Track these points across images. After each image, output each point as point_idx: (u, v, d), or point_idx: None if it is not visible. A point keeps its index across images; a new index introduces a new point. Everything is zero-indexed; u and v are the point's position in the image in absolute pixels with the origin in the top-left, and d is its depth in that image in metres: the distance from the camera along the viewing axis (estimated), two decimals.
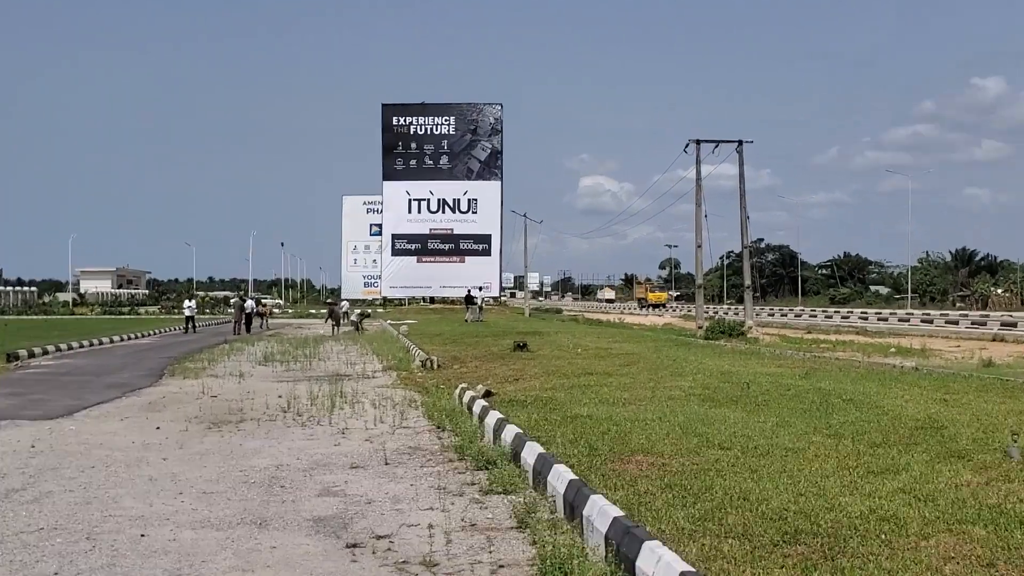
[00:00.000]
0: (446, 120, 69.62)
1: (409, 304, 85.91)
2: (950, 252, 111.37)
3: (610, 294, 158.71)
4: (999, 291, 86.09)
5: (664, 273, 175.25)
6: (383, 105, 70.68)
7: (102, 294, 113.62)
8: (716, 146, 36.88)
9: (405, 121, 69.62)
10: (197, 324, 45.68)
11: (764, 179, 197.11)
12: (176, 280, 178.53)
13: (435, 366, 21.03)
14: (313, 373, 21.30)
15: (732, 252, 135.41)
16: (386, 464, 9.74)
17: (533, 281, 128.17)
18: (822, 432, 10.01)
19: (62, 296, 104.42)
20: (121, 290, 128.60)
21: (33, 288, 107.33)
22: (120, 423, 13.25)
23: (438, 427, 12.19)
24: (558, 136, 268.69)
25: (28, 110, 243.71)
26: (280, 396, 16.25)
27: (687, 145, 36.73)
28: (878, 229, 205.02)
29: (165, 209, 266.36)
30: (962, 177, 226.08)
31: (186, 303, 46.69)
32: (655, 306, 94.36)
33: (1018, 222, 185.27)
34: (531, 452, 8.41)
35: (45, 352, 27.81)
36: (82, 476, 9.32)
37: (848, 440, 9.45)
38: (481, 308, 48.65)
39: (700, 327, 36.03)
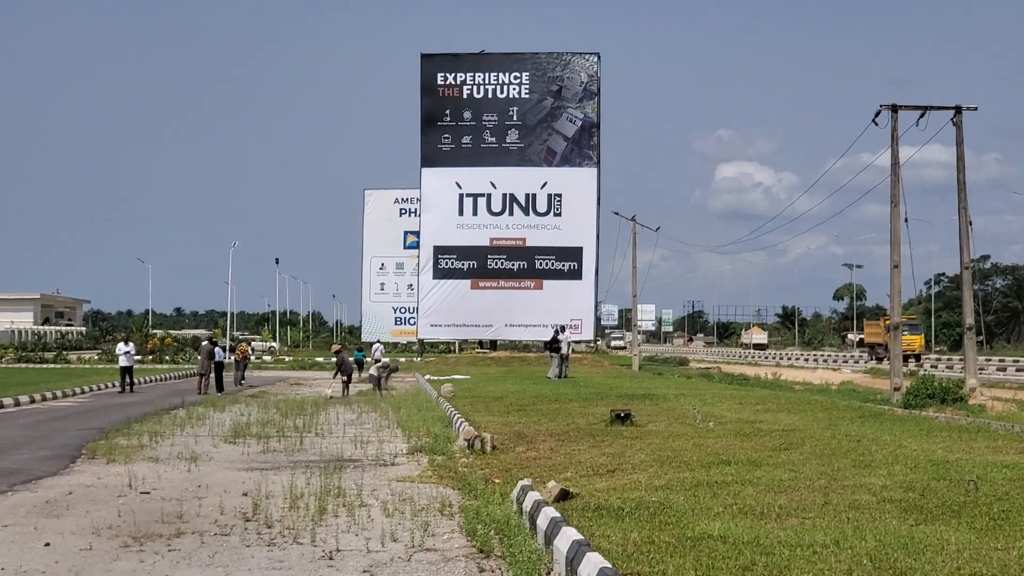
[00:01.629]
0: (515, 78, 68.25)
1: (460, 350, 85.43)
2: None
3: (761, 336, 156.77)
4: None
5: (842, 306, 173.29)
6: (423, 56, 69.40)
7: (19, 332, 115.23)
8: (922, 115, 35.33)
9: (455, 79, 68.45)
10: (135, 380, 44.78)
11: (990, 168, 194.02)
12: (129, 312, 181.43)
13: (488, 447, 20.17)
14: (303, 457, 20.60)
15: (943, 276, 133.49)
16: None
17: (647, 317, 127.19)
18: None
19: None
20: (47, 326, 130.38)
21: None
22: None
23: (481, 550, 11.30)
24: (683, 105, 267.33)
25: None
26: (245, 494, 15.53)
27: (878, 114, 35.23)
28: None
29: (109, 215, 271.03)
30: None
31: (120, 347, 45.62)
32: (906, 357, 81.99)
33: None
34: None
35: None
36: None
37: None
38: (565, 357, 47.59)
39: (896, 388, 34.58)
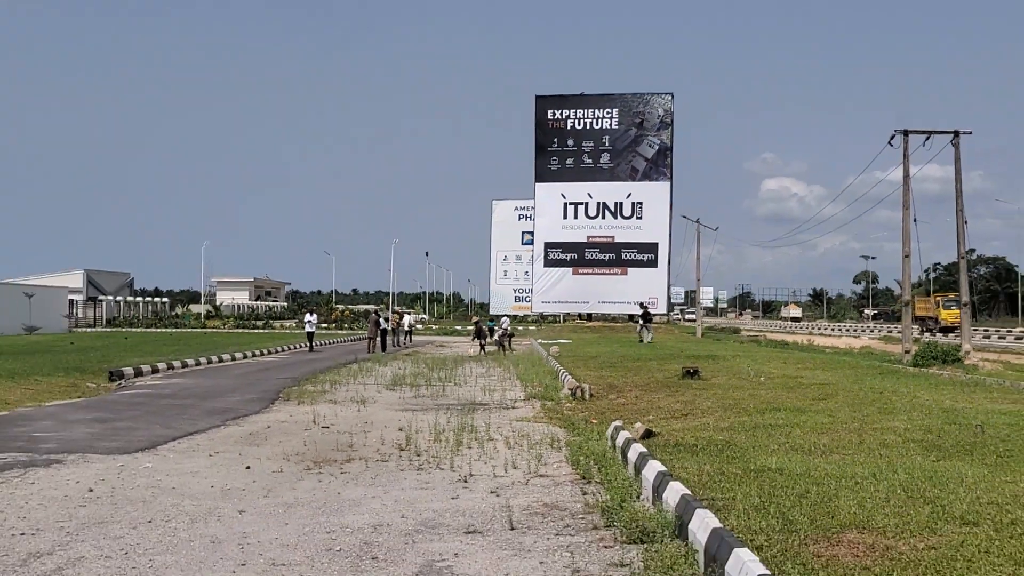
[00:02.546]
0: (608, 113, 67.77)
1: (564, 321, 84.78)
2: None
3: (796, 311, 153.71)
4: None
5: (860, 288, 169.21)
6: (537, 97, 69.31)
7: (238, 306, 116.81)
8: (927, 138, 34.08)
9: (561, 115, 68.10)
10: (317, 342, 45.11)
11: (976, 181, 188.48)
12: (319, 292, 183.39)
13: (587, 395, 19.56)
14: (445, 400, 20.16)
15: (939, 264, 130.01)
16: (511, 529, 8.30)
17: (707, 296, 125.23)
18: None
19: (196, 308, 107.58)
20: (259, 302, 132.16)
21: (165, 299, 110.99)
22: (207, 460, 12.28)
23: (583, 477, 10.70)
24: (736, 133, 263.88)
25: (163, 110, 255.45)
26: (400, 429, 15.12)
27: (892, 137, 34.11)
28: None
29: (307, 216, 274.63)
30: None
31: (307, 317, 46.05)
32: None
33: None
34: (703, 525, 6.82)
35: (154, 370, 27.67)
36: (131, 535, 8.23)
37: None
38: (647, 328, 46.74)
39: (907, 351, 33.33)
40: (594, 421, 15.84)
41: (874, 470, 9.53)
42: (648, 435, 12.81)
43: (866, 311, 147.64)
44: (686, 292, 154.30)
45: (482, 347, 41.14)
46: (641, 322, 47.78)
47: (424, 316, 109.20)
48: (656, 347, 40.19)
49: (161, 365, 28.57)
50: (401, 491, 10.13)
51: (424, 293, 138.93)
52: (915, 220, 33.65)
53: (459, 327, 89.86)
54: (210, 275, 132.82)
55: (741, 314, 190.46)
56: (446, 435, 14.10)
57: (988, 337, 62.47)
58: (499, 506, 9.29)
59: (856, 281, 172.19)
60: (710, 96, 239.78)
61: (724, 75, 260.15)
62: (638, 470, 9.84)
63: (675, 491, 8.06)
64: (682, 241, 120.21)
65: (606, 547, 7.60)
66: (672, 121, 68.14)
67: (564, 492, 9.97)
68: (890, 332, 79.74)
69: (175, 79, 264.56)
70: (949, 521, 7.30)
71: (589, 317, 76.58)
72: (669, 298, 74.52)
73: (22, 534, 8.24)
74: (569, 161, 68.40)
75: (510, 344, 41.91)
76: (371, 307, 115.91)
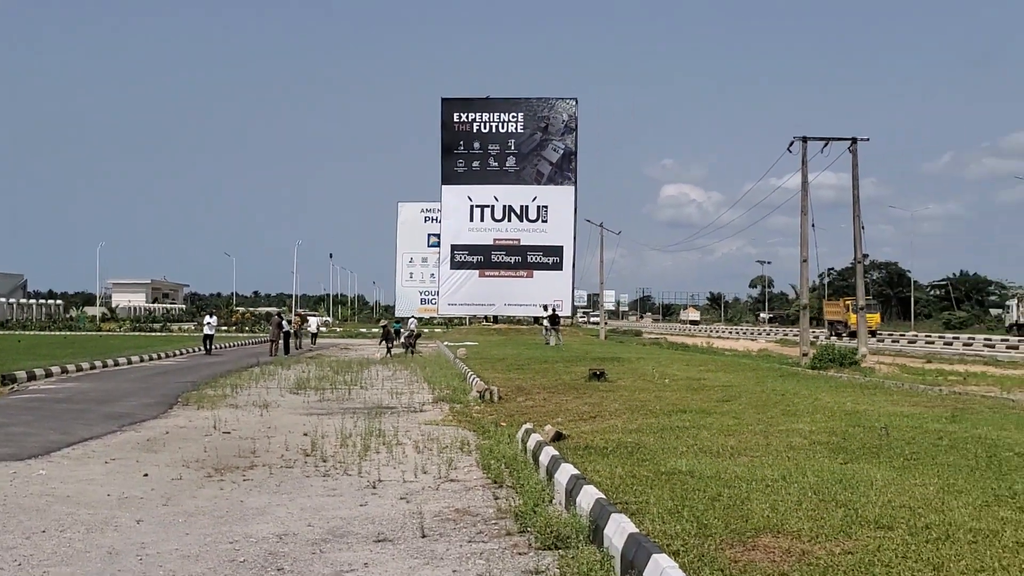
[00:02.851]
0: (513, 117, 67.84)
1: (469, 323, 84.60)
2: None
3: (695, 315, 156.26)
4: None
5: (756, 292, 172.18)
6: (443, 100, 69.20)
7: (134, 308, 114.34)
8: (825, 145, 34.72)
9: (467, 118, 68.04)
10: (217, 345, 43.71)
11: (869, 188, 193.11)
12: (219, 294, 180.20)
13: (495, 398, 19.40)
14: (351, 404, 19.80)
15: (833, 269, 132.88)
16: (423, 537, 8.07)
17: (609, 300, 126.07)
18: (1008, 503, 8.11)
19: (91, 310, 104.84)
20: (156, 304, 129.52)
21: (59, 302, 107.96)
22: (103, 467, 11.81)
23: (495, 481, 10.51)
24: (637, 140, 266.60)
25: (58, 111, 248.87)
26: (305, 434, 14.76)
27: (791, 144, 34.64)
28: (997, 245, 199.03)
29: (207, 217, 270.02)
30: None
31: (206, 319, 44.76)
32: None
33: None
34: (619, 530, 6.68)
35: (48, 374, 26.74)
36: (24, 545, 7.81)
37: None
38: (556, 331, 46.83)
39: (805, 354, 33.87)
40: (503, 424, 15.67)
41: (784, 472, 9.52)
42: (558, 438, 12.68)
43: (762, 315, 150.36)
44: (589, 295, 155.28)
45: (388, 350, 40.74)
46: (547, 324, 47.92)
47: (328, 319, 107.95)
48: (562, 349, 40.25)
49: (56, 369, 27.62)
50: (307, 498, 9.83)
51: (328, 295, 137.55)
52: (813, 225, 34.25)
53: (364, 329, 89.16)
54: (106, 277, 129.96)
55: (642, 317, 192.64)
56: (353, 440, 13.78)
57: (882, 340, 63.95)
58: (409, 513, 9.05)
59: (752, 285, 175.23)
60: (612, 102, 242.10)
61: (626, 81, 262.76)
62: (550, 474, 9.69)
63: (589, 495, 7.92)
64: (586, 245, 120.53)
65: (520, 554, 7.42)
66: (576, 126, 68.62)
67: (476, 497, 9.77)
68: (786, 335, 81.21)
69: (68, 74, 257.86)
70: (863, 525, 7.28)
71: (495, 319, 76.63)
72: (574, 300, 74.80)
73: None
74: (475, 164, 68.38)
75: (416, 346, 41.55)
76: (272, 310, 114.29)
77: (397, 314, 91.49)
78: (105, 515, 8.98)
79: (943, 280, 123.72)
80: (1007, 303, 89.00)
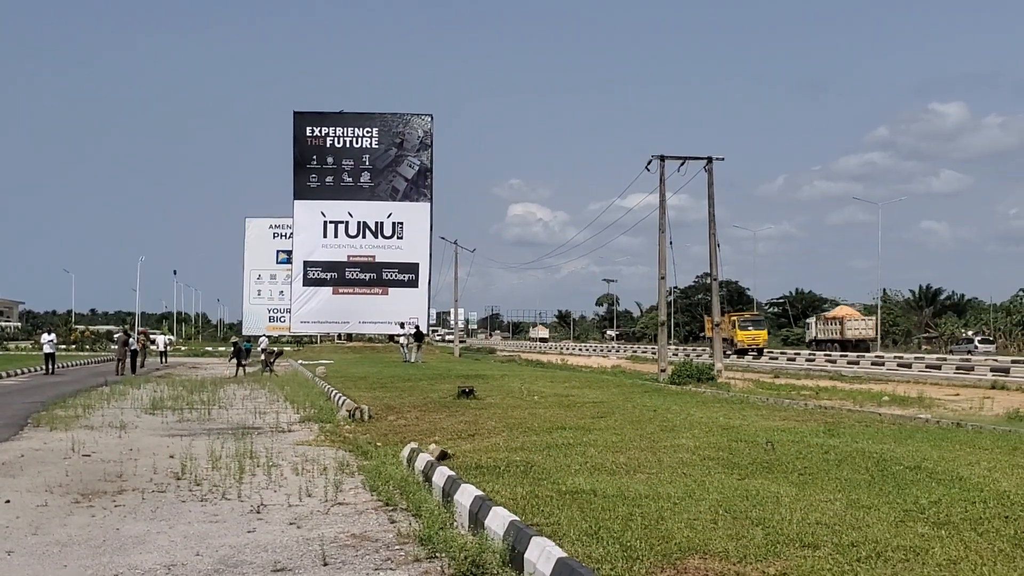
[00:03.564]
0: (368, 132, 66.95)
1: (321, 342, 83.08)
2: (911, 291, 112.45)
3: (544, 332, 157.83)
4: (970, 333, 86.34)
5: (602, 310, 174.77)
6: (295, 113, 67.75)
7: None
8: (682, 164, 35.36)
9: (321, 132, 66.75)
10: (57, 364, 41.20)
11: (705, 209, 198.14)
12: (54, 312, 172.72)
13: (366, 416, 18.86)
14: (213, 425, 18.94)
15: (676, 287, 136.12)
16: (324, 565, 7.57)
17: (459, 318, 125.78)
18: (921, 519, 8.07)
19: None
20: None
21: None
22: None
23: (387, 504, 10.04)
24: (485, 159, 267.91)
25: None
26: (172, 456, 13.97)
27: (649, 162, 35.19)
28: (829, 264, 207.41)
29: (41, 232, 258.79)
30: (918, 210, 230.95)
31: (44, 337, 42.08)
32: (743, 352, 69.03)
33: (980, 258, 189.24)
34: (544, 555, 6.35)
35: None
36: None
37: (970, 532, 7.53)
38: (418, 347, 46.41)
39: (663, 370, 34.26)
40: (379, 444, 15.20)
41: (686, 490, 9.34)
42: (443, 457, 12.27)
43: (608, 332, 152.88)
44: (439, 313, 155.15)
45: (241, 367, 39.54)
46: (408, 341, 47.47)
47: (172, 337, 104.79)
48: (422, 367, 39.81)
49: None
50: (188, 525, 9.19)
51: (172, 313, 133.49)
52: (671, 243, 34.74)
53: (210, 348, 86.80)
54: None
55: (491, 335, 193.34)
56: (225, 462, 13.08)
57: (728, 356, 65.48)
58: (302, 539, 8.53)
59: (599, 303, 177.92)
60: (463, 119, 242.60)
61: (476, 99, 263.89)
62: (448, 495, 9.30)
63: (500, 517, 7.56)
64: (439, 262, 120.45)
65: None
66: (432, 142, 68.26)
67: (371, 521, 9.29)
68: (635, 352, 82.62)
69: None
70: (787, 544, 7.10)
71: (350, 337, 75.34)
72: (429, 318, 74.25)
73: None
74: (329, 179, 67.19)
75: (274, 363, 40.39)
76: (114, 328, 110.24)
77: (245, 332, 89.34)
78: None
79: (781, 298, 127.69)
80: (807, 321, 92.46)
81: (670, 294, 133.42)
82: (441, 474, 10.07)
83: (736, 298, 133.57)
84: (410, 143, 67.49)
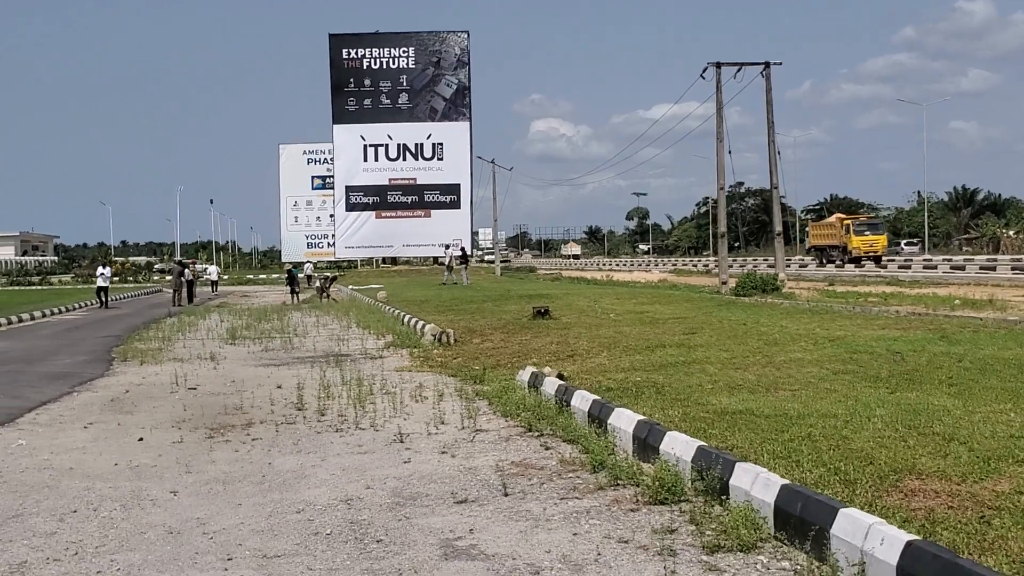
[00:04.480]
0: (404, 52, 65.81)
1: (361, 266, 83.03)
2: (947, 192, 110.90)
3: (576, 249, 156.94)
4: (1011, 233, 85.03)
5: (632, 224, 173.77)
6: (331, 36, 66.44)
7: (6, 262, 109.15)
8: (738, 70, 34.58)
9: (357, 54, 65.60)
10: (110, 297, 40.73)
11: (734, 117, 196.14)
12: (85, 245, 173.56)
13: (452, 340, 18.71)
14: (301, 353, 18.87)
15: (709, 198, 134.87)
16: (505, 496, 7.39)
17: (486, 238, 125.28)
18: None
19: None
20: (27, 257, 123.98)
21: None
22: (85, 433, 10.77)
23: (529, 429, 9.84)
24: (505, 76, 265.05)
25: None
26: (279, 386, 13.86)
27: (705, 70, 34.45)
28: (860, 168, 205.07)
29: (73, 166, 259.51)
30: (947, 110, 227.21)
31: (99, 270, 41.57)
32: (859, 259, 60.64)
33: (1010, 157, 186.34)
34: (759, 482, 6.13)
35: None
36: (63, 530, 6.89)
37: None
38: (464, 269, 46.19)
39: (724, 283, 33.90)
40: (475, 367, 15.04)
41: (846, 407, 9.04)
42: (559, 379, 12.07)
43: (641, 246, 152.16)
44: (472, 233, 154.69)
45: (295, 293, 39.59)
46: (449, 263, 47.25)
47: (217, 267, 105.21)
48: (476, 288, 39.56)
49: None
50: (338, 457, 9.05)
51: (211, 242, 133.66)
52: (729, 152, 34.18)
53: (251, 276, 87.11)
54: None
55: (520, 254, 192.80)
56: (337, 391, 12.96)
57: (773, 267, 64.85)
58: (463, 468, 8.36)
59: (629, 217, 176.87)
60: (478, 37, 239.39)
61: (489, 15, 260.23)
62: (597, 419, 9.09)
63: (683, 443, 7.35)
64: (476, 182, 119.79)
65: (631, 510, 6.80)
66: (469, 60, 67.03)
67: (523, 448, 9.10)
68: (675, 265, 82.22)
69: None
70: (999, 460, 6.82)
71: (394, 261, 75.12)
72: (472, 238, 73.86)
73: None
74: (367, 102, 66.22)
75: (330, 288, 40.25)
76: (152, 259, 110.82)
77: (284, 259, 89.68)
78: (129, 488, 8.07)
79: (817, 204, 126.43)
80: (806, 229, 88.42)
81: (705, 204, 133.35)
82: (582, 398, 9.86)
83: (769, 206, 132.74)
84: (447, 61, 66.35)
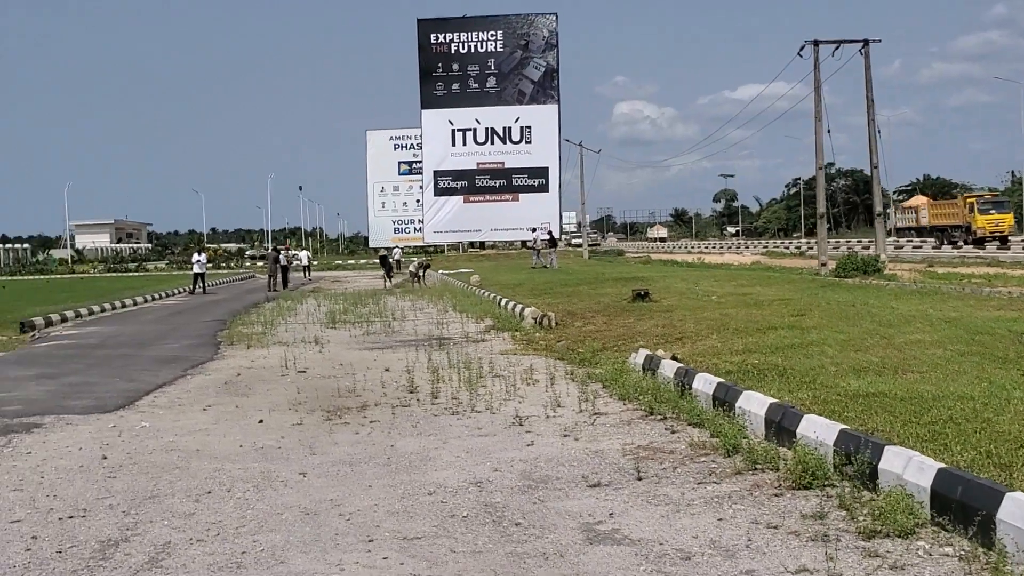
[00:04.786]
0: (492, 35, 65.78)
1: (448, 251, 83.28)
2: None
3: (662, 232, 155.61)
4: None
5: (719, 206, 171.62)
6: (419, 21, 66.60)
7: (101, 250, 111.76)
8: (836, 47, 33.83)
9: (445, 39, 65.72)
10: (207, 283, 41.31)
11: (825, 97, 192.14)
12: (176, 232, 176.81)
13: (553, 323, 18.62)
14: (403, 337, 18.92)
15: (799, 179, 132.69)
16: (639, 479, 7.26)
17: (570, 221, 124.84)
18: None
19: (57, 253, 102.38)
20: (121, 244, 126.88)
21: (26, 245, 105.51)
22: (205, 415, 10.90)
23: (651, 413, 9.69)
24: (587, 58, 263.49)
25: (14, 49, 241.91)
26: (387, 369, 13.92)
27: (802, 48, 33.74)
28: (950, 148, 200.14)
29: (165, 154, 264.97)
30: None
31: (195, 257, 42.36)
32: (981, 241, 57.24)
33: None
34: (913, 465, 5.92)
35: (63, 319, 25.56)
36: (201, 511, 6.94)
37: None
38: (552, 252, 46.14)
39: (823, 264, 33.24)
40: (580, 350, 14.93)
41: (982, 389, 8.74)
42: (674, 361, 11.88)
43: (728, 228, 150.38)
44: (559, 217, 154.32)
45: (389, 278, 39.89)
46: (537, 247, 47.15)
47: (308, 252, 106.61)
48: (567, 272, 39.39)
49: (69, 313, 26.39)
50: (459, 440, 9.01)
51: (300, 229, 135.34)
52: (828, 131, 33.45)
53: (339, 261, 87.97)
54: (66, 218, 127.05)
55: (604, 237, 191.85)
56: (446, 374, 12.93)
57: (868, 248, 63.58)
58: (590, 451, 8.26)
59: (716, 199, 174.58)
60: (560, 19, 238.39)
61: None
62: (723, 402, 8.91)
63: (823, 426, 7.15)
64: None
65: (775, 495, 6.63)
66: (557, 42, 66.71)
67: (647, 431, 8.96)
68: (766, 247, 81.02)
69: (21, 19, 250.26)
70: None
71: (482, 245, 75.20)
72: (561, 222, 73.63)
73: (70, 517, 6.89)
74: (455, 86, 66.31)
75: (424, 274, 40.36)
76: (244, 246, 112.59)
77: (371, 244, 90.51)
78: (258, 469, 8.11)
79: (909, 185, 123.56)
80: (888, 210, 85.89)
81: (794, 185, 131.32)
82: (705, 380, 9.68)
83: (863, 187, 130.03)
84: (535, 44, 66.05)
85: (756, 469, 7.22)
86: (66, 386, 13.53)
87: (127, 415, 11.07)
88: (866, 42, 33.70)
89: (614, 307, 20.72)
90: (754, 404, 8.35)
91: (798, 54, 33.84)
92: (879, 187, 35.57)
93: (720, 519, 6.20)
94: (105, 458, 8.73)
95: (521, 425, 9.51)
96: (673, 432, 8.81)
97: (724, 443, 7.87)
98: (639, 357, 12.18)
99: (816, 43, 33.41)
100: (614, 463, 7.78)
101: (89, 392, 12.89)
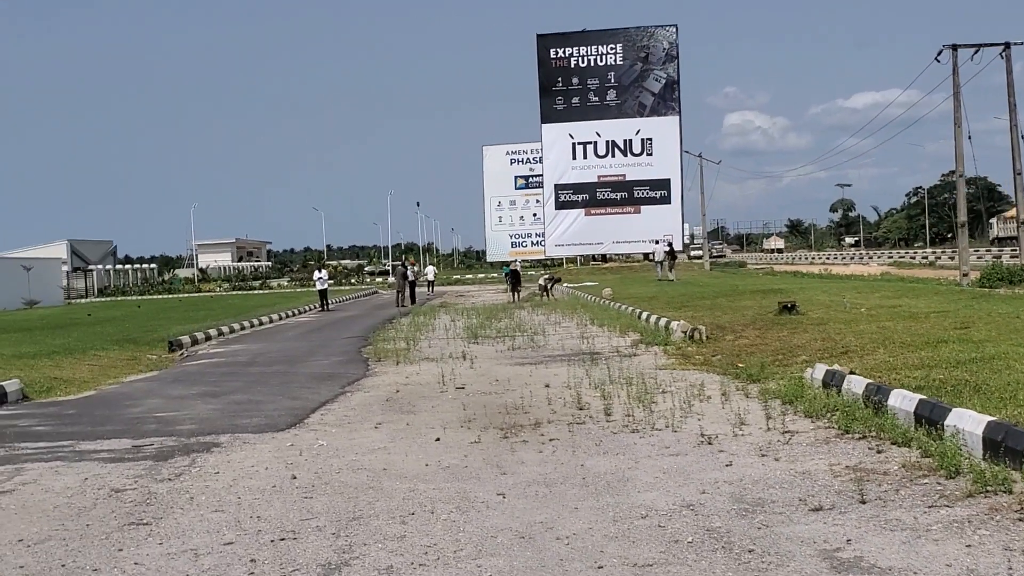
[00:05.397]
0: (612, 49, 65.61)
1: (567, 264, 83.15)
2: None
3: (779, 243, 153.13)
4: None
5: (836, 216, 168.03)
6: (538, 36, 66.96)
7: (224, 268, 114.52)
8: (976, 51, 32.79)
9: (564, 53, 65.78)
10: (330, 300, 42.17)
11: (942, 104, 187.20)
12: (292, 250, 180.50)
13: (703, 337, 18.25)
14: (549, 352, 18.76)
15: (921, 188, 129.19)
16: (862, 503, 6.91)
17: (686, 233, 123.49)
18: None
19: (181, 272, 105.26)
20: (242, 263, 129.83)
21: (153, 265, 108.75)
22: (378, 433, 10.84)
23: (846, 431, 9.29)
24: (697, 69, 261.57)
25: (137, 75, 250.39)
26: (547, 385, 13.75)
27: (939, 53, 32.79)
28: None
29: (284, 173, 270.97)
30: None
31: (316, 274, 43.32)
32: None
33: None
34: None
35: (207, 337, 26.09)
36: (411, 533, 6.80)
37: None
38: (671, 265, 45.59)
39: (965, 274, 32.17)
40: (740, 364, 14.55)
41: None
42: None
43: (846, 239, 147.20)
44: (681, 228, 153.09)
45: (516, 292, 39.87)
46: (661, 259, 46.66)
47: (434, 268, 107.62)
48: (692, 284, 38.86)
49: (212, 332, 26.94)
50: (650, 459, 8.74)
51: (418, 245, 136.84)
52: (969, 137, 32.39)
53: (457, 276, 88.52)
54: (186, 238, 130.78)
55: (724, 249, 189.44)
56: (611, 390, 12.68)
57: (999, 258, 61.54)
58: (795, 472, 7.92)
59: (832, 210, 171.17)
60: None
61: (682, 9, 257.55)
62: (927, 420, 8.48)
63: None
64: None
65: (1020, 520, 6.22)
66: (678, 54, 66.28)
67: (850, 451, 8.57)
68: (891, 257, 79.06)
69: (148, 44, 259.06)
70: None
71: (604, 258, 74.83)
72: (683, 233, 72.89)
73: (281, 539, 6.79)
74: (575, 100, 66.36)
75: (552, 288, 40.20)
76: (362, 262, 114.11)
77: (489, 259, 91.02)
78: (453, 490, 7.97)
79: None
80: (990, 221, 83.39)
81: (915, 194, 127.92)
82: (904, 397, 9.24)
83: (987, 195, 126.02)
84: (655, 56, 65.68)
85: (987, 492, 6.80)
86: (232, 404, 13.67)
87: (300, 433, 11.08)
88: (1007, 45, 32.62)
89: (761, 320, 20.24)
90: (968, 422, 7.91)
91: (935, 59, 32.93)
92: (1022, 195, 34.21)
93: (968, 546, 5.82)
94: (295, 477, 8.69)
95: (711, 444, 9.21)
96: (879, 452, 8.40)
97: (943, 464, 7.46)
98: (818, 372, 11.77)
99: (954, 47, 32.43)
100: (828, 485, 7.44)
101: (257, 410, 12.98)
